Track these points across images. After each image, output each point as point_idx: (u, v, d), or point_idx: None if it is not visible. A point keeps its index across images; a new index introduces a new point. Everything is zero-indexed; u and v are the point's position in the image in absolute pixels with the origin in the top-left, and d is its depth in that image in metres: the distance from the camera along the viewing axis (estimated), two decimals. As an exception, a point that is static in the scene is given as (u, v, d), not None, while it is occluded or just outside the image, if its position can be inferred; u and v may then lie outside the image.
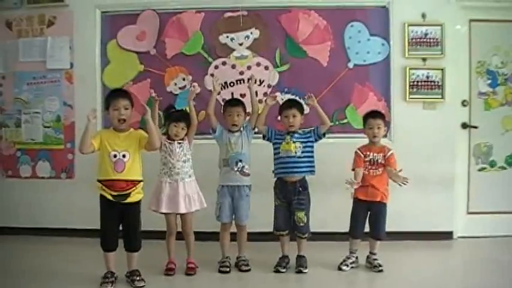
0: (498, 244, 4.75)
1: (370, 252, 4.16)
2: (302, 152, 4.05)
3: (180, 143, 3.98)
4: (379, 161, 4.06)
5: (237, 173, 4.07)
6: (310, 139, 4.09)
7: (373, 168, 4.06)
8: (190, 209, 3.97)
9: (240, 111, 4.12)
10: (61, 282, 3.79)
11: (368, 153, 4.09)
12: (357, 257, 4.16)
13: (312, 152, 4.10)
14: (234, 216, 4.13)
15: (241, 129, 4.14)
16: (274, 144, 4.14)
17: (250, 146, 4.16)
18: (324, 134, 4.12)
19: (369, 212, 4.11)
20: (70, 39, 5.07)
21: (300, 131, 4.11)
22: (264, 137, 4.20)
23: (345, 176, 4.00)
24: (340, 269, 4.04)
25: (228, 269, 4.06)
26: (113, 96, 3.73)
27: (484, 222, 4.96)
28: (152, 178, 3.93)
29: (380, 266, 4.04)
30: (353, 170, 4.10)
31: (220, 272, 4.04)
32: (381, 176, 4.06)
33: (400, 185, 3.90)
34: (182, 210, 3.94)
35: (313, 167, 4.09)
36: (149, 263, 3.97)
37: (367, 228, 4.15)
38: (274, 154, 4.13)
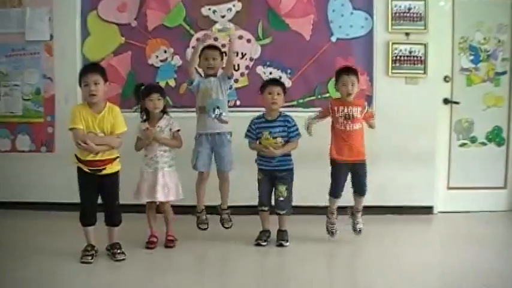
0: (477, 219, 4.81)
1: (356, 210, 4.07)
2: None
3: (160, 126, 3.95)
4: (356, 115, 3.91)
5: (215, 120, 4.02)
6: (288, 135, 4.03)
7: (349, 123, 3.92)
8: (168, 197, 3.96)
9: (215, 55, 4.10)
10: (41, 256, 3.76)
11: (342, 107, 3.94)
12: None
13: None
14: (216, 165, 4.09)
15: (217, 76, 4.10)
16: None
17: (226, 96, 4.13)
18: None
19: (349, 172, 4.00)
20: (49, 10, 4.97)
21: (279, 120, 4.04)
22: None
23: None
24: (332, 233, 4.07)
25: (206, 226, 4.11)
26: (82, 72, 3.67)
27: (464, 198, 5.02)
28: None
29: (360, 230, 4.06)
30: (318, 114, 4.12)
31: (198, 228, 4.12)
32: (358, 131, 3.94)
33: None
34: (160, 198, 3.93)
35: (291, 160, 4.06)
36: (130, 236, 3.96)
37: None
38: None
